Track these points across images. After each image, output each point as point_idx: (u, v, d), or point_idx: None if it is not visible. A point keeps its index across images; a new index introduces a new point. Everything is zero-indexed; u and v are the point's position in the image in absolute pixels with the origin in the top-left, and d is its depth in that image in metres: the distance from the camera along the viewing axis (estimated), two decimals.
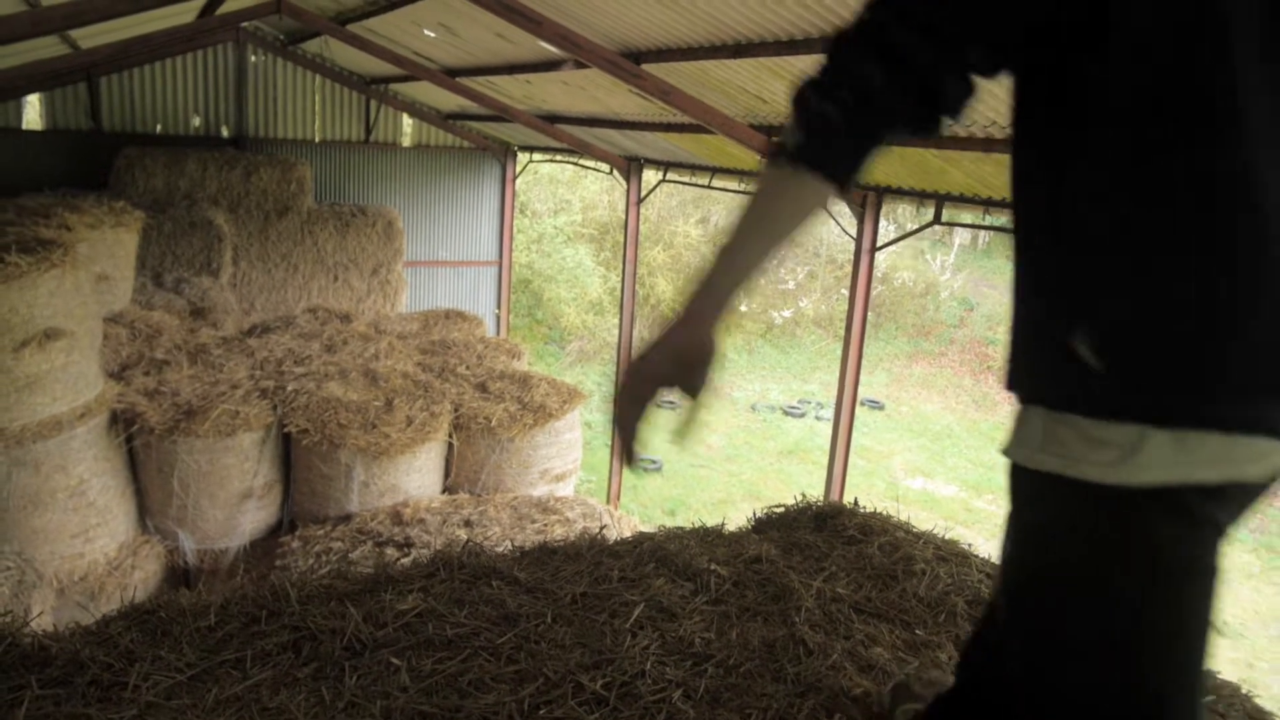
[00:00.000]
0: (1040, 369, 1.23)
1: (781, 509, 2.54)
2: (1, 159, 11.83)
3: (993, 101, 5.01)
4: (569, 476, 7.80)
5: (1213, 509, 1.15)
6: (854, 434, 8.43)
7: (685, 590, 1.89)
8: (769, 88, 6.39)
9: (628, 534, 7.50)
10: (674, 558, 2.00)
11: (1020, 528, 1.28)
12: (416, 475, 7.12)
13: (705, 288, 1.25)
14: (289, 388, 7.24)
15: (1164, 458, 1.12)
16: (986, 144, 5.60)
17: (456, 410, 7.33)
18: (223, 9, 9.21)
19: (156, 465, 6.80)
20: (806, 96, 1.19)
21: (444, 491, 7.40)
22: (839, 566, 2.07)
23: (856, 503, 2.51)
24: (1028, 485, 1.25)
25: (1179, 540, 1.16)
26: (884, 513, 2.44)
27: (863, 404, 18.13)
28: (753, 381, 19.86)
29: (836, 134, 1.18)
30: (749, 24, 5.35)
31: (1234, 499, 1.17)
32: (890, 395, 19.58)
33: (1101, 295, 1.15)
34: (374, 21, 9.18)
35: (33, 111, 12.37)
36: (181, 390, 7.14)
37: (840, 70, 1.19)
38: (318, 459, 6.90)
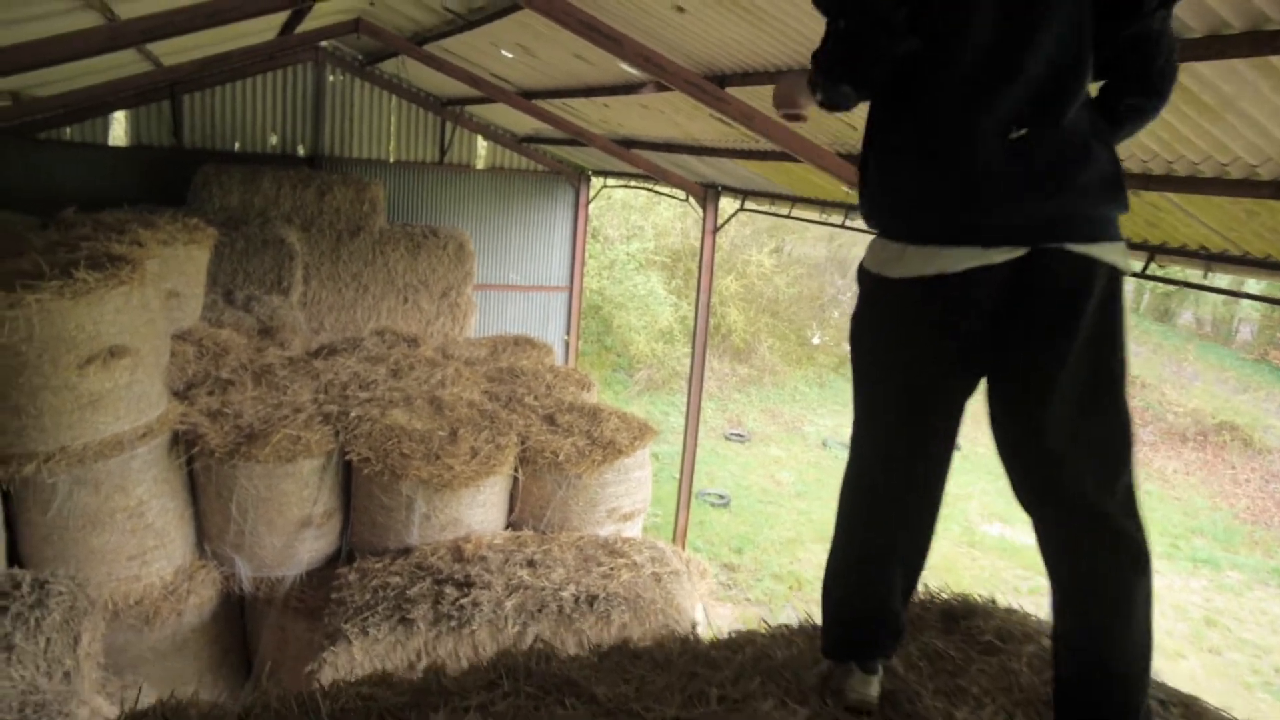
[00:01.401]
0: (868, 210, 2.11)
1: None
2: (88, 174, 12.00)
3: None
4: (637, 516, 7.46)
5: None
6: None
7: (799, 718, 1.55)
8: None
9: (698, 581, 7.14)
10: (782, 670, 1.67)
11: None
12: (480, 509, 6.86)
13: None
14: (352, 413, 7.04)
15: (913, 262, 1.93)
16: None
17: (523, 443, 7.06)
18: (301, 28, 9.16)
19: (216, 489, 6.64)
20: (826, 84, 2.03)
21: (507, 527, 7.12)
22: (981, 688, 1.71)
23: (994, 601, 2.13)
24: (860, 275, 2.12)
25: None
26: (1024, 612, 2.06)
27: None
28: (824, 416, 19.34)
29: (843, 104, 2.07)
30: None
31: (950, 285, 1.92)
32: (967, 434, 18.79)
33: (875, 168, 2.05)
34: (451, 42, 9.04)
35: (118, 128, 12.54)
36: (244, 412, 6.98)
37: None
38: (378, 489, 6.68)
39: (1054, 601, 1.93)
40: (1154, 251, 5.90)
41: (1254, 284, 14.13)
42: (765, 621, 2.26)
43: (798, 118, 2.14)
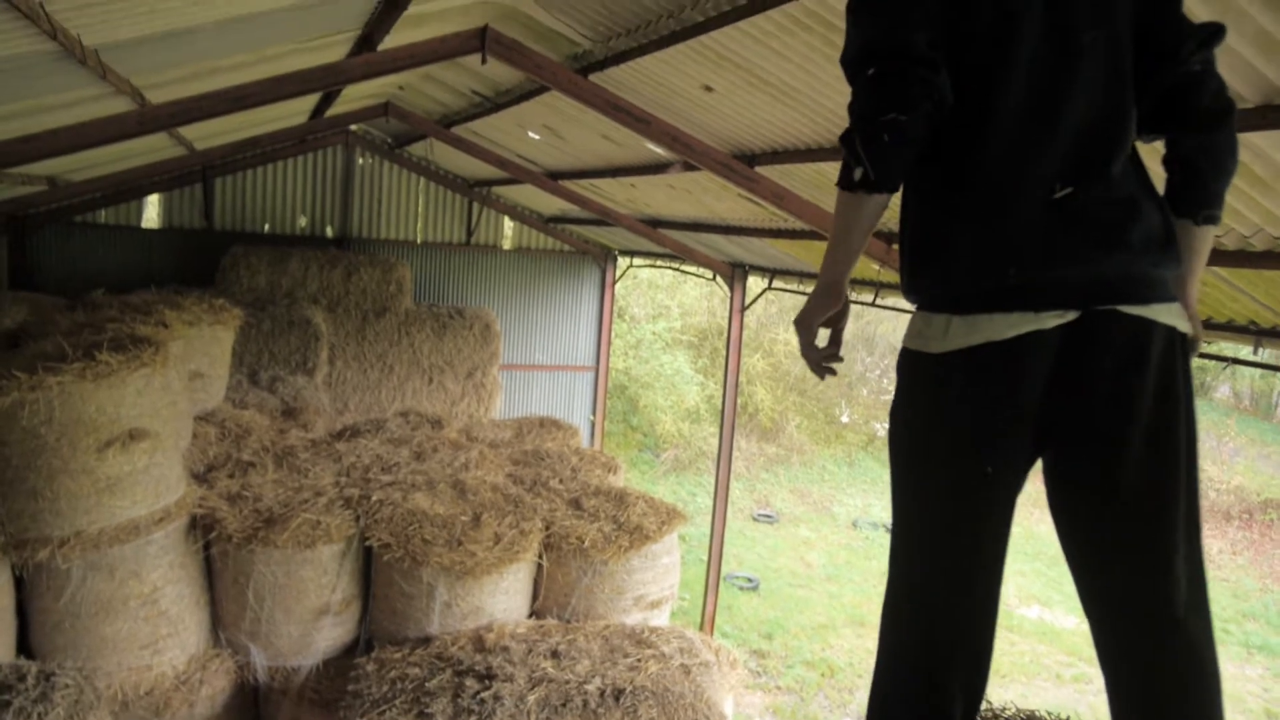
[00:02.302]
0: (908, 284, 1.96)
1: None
2: (121, 256, 12.15)
3: None
4: (665, 603, 7.21)
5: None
6: None
7: None
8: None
9: (729, 672, 6.86)
10: None
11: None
12: (503, 597, 6.64)
13: (827, 272, 1.92)
14: (374, 497, 6.90)
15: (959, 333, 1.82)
16: None
17: (548, 528, 6.87)
18: (331, 111, 9.28)
19: (232, 575, 6.47)
20: (868, 135, 1.74)
21: (531, 615, 6.89)
22: None
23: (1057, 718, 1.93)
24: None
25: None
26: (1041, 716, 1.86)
27: None
28: (854, 496, 18.98)
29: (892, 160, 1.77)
30: None
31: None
32: None
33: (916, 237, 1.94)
34: (478, 124, 9.12)
35: (151, 210, 12.73)
36: (264, 495, 6.85)
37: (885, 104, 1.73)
38: (399, 576, 6.48)
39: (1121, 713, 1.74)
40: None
41: None
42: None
43: (833, 358, 1.97)
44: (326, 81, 5.32)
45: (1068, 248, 1.73)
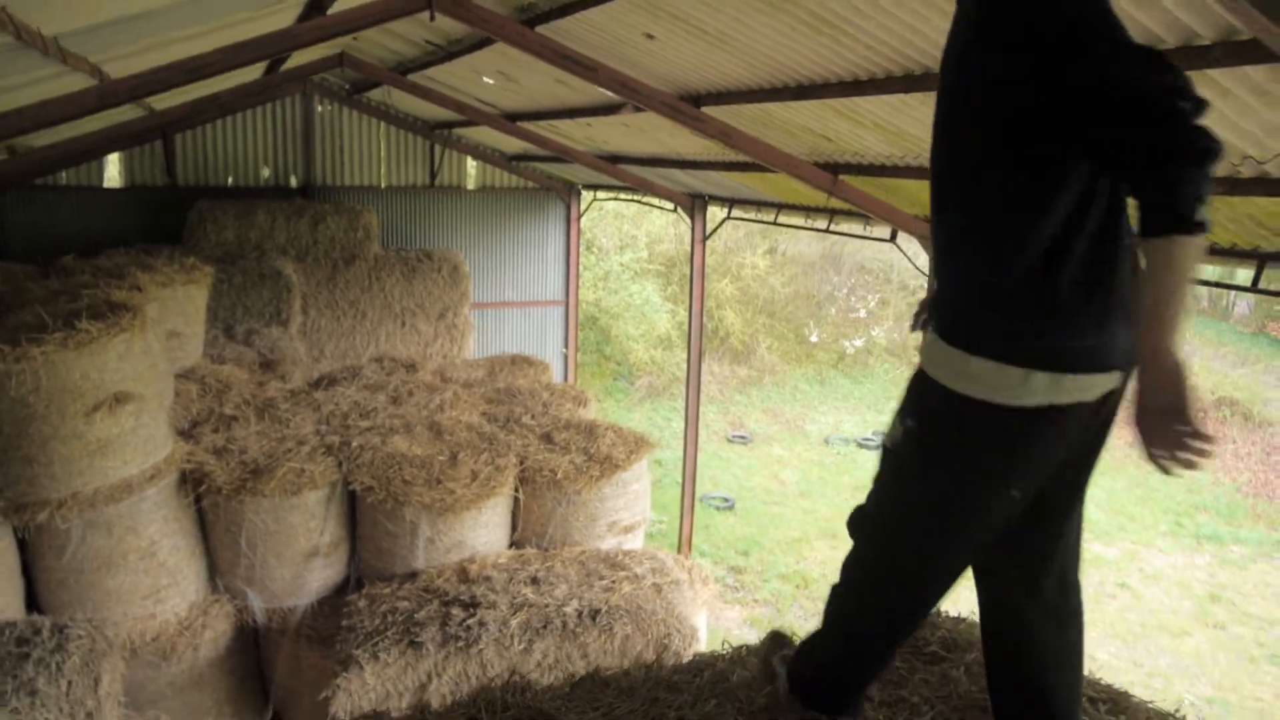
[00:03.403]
0: (968, 328, 1.92)
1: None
2: (84, 217, 12.17)
3: None
4: (638, 528, 7.61)
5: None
6: None
7: None
8: (833, 126, 6.19)
9: (701, 588, 7.29)
10: (737, 692, 1.81)
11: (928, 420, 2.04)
12: (483, 530, 7.01)
13: (1177, 341, 1.70)
14: (354, 443, 7.21)
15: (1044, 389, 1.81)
16: None
17: (522, 463, 7.21)
18: (287, 65, 9.33)
19: (224, 525, 6.80)
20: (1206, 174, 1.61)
21: (511, 546, 7.27)
22: (922, 696, 1.86)
23: (943, 613, 2.28)
24: (944, 399, 1.95)
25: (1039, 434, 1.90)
26: (970, 620, 2.20)
27: None
28: (825, 414, 19.48)
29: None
30: (811, 66, 5.17)
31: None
32: None
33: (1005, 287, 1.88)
34: (434, 71, 9.21)
35: (113, 170, 12.73)
36: (249, 447, 7.15)
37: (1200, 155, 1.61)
38: (383, 516, 6.84)
39: (996, 655, 2.03)
40: None
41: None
42: (726, 642, 2.40)
43: (1200, 455, 1.67)
44: (280, 47, 5.48)
45: (1131, 311, 1.85)
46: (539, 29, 6.00)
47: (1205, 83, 3.55)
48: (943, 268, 2.06)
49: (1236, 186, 4.31)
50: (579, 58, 5.94)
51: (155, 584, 6.59)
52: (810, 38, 4.69)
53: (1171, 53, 3.41)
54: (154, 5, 3.88)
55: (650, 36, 5.64)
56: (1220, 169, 4.47)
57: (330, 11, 5.65)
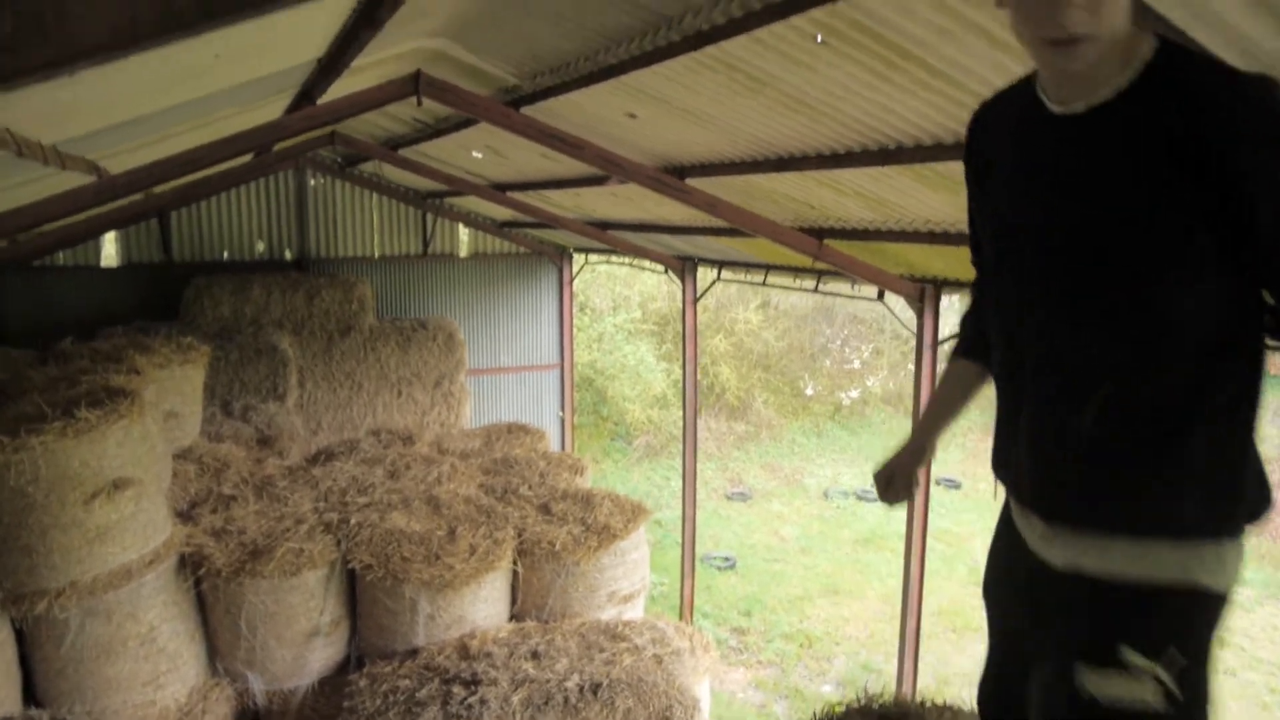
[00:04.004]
0: (1165, 507, 1.61)
1: (843, 710, 2.36)
2: (82, 296, 12.29)
3: None
4: (637, 596, 7.60)
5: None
6: (931, 517, 8.20)
7: None
8: (816, 195, 6.32)
9: (702, 656, 7.26)
10: None
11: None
12: (483, 605, 7.01)
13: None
14: (352, 520, 7.22)
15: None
16: None
17: (520, 535, 7.23)
18: (279, 146, 9.50)
19: (224, 607, 6.79)
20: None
21: (511, 619, 7.26)
22: None
23: (923, 704, 2.31)
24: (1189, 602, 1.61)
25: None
26: (956, 707, 2.24)
27: (938, 483, 17.63)
28: (823, 466, 19.47)
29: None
30: (791, 141, 5.31)
31: None
32: (966, 472, 19.02)
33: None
34: (424, 146, 9.39)
35: (109, 248, 12.87)
36: (248, 527, 7.16)
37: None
38: (382, 594, 6.83)
39: None
40: None
41: None
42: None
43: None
44: (271, 137, 5.62)
45: None
46: (524, 109, 6.15)
47: None
48: (1064, 441, 1.67)
49: None
50: (564, 136, 6.08)
51: (155, 670, 6.57)
52: (789, 116, 4.82)
53: None
54: (147, 110, 4.00)
55: (633, 115, 5.79)
56: None
57: (320, 101, 5.79)
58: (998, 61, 3.40)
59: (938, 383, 1.98)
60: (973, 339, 2.05)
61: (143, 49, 1.65)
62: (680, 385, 14.29)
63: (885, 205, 5.95)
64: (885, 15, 3.29)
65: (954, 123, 4.19)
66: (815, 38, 3.55)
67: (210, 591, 6.82)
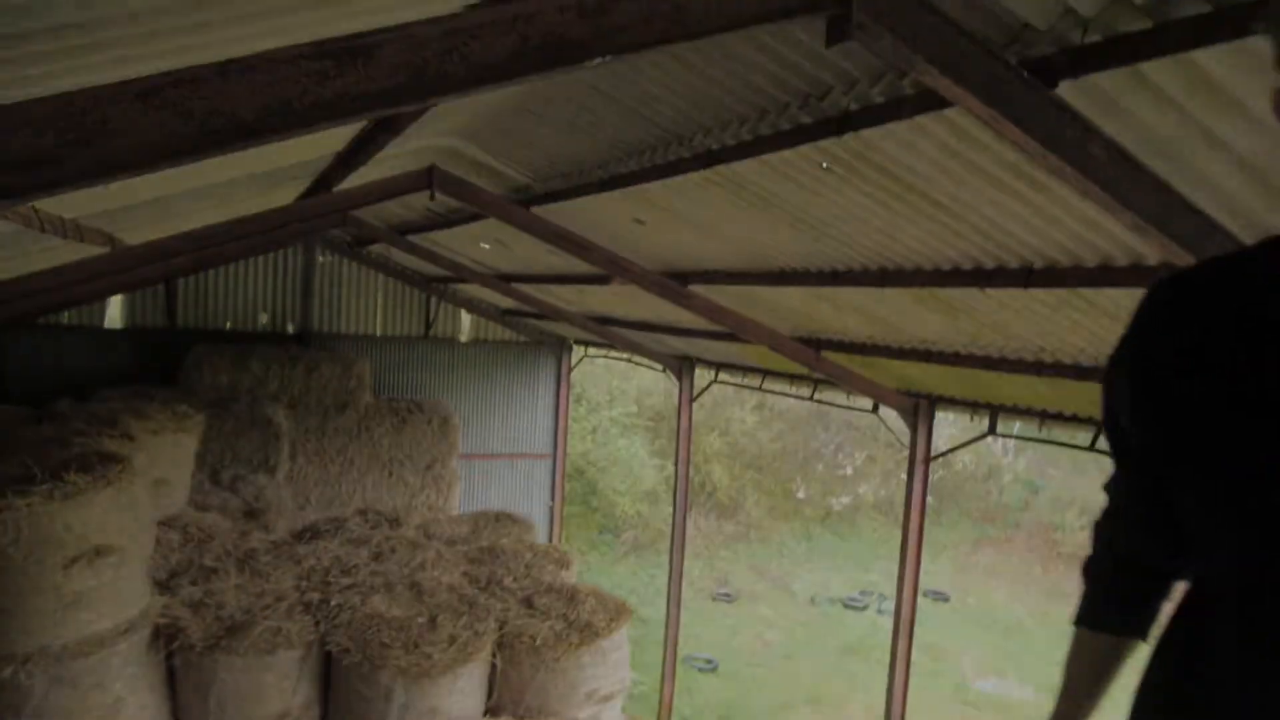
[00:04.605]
0: None
1: None
2: (83, 356, 12.34)
3: (1043, 327, 4.97)
4: (616, 696, 7.49)
5: None
6: (918, 630, 8.14)
7: None
8: (815, 308, 6.44)
9: None
10: None
11: None
12: (459, 696, 6.89)
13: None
14: (333, 601, 7.16)
15: None
16: (1038, 367, 5.53)
17: (501, 628, 7.15)
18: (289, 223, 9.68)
19: (195, 682, 6.68)
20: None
21: (486, 714, 7.13)
22: None
23: None
24: None
25: None
26: None
27: (926, 595, 17.45)
28: (812, 571, 19.29)
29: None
30: (793, 257, 5.44)
31: None
32: (956, 585, 18.85)
33: None
34: (433, 234, 9.57)
35: (114, 309, 12.98)
36: (227, 602, 7.08)
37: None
38: (358, 679, 6.73)
39: None
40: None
41: None
42: None
43: None
44: (285, 220, 5.74)
45: None
46: (534, 209, 6.31)
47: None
48: None
49: None
50: (571, 236, 6.23)
51: None
52: (792, 234, 4.96)
53: (1123, 271, 3.66)
54: (172, 191, 4.12)
55: (640, 222, 5.93)
56: None
57: (336, 189, 5.95)
58: (996, 199, 3.53)
59: (1070, 663, 1.58)
60: (1121, 597, 1.56)
61: (177, 164, 1.74)
62: (671, 482, 14.29)
63: (883, 323, 6.06)
64: (890, 150, 3.43)
65: (952, 250, 4.32)
66: (821, 165, 3.69)
67: (182, 666, 6.71)
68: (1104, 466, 1.57)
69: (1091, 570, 1.58)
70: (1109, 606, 1.55)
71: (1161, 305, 1.47)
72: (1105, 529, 1.57)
